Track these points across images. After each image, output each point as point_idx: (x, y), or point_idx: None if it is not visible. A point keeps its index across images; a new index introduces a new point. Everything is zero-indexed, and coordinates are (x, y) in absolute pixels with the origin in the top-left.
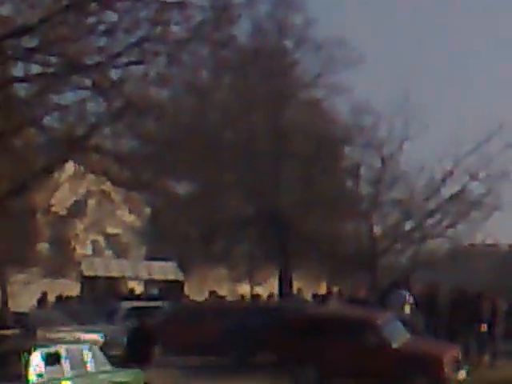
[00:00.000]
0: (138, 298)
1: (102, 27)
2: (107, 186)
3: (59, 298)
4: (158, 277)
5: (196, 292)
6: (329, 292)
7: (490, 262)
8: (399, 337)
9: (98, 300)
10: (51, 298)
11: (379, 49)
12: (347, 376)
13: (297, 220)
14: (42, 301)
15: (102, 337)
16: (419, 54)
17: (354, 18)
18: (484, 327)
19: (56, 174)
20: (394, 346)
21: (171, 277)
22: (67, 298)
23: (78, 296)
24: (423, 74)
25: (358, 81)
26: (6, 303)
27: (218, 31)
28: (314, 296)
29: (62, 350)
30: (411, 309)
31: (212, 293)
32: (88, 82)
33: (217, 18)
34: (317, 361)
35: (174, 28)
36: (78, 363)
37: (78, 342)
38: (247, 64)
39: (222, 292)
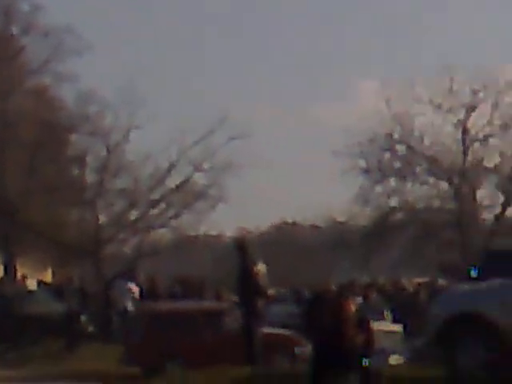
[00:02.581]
0: None
1: None
2: None
3: None
4: None
5: None
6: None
7: (213, 253)
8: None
9: None
10: None
11: (107, 38)
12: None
13: (21, 207)
14: None
15: None
16: (146, 45)
17: (82, 5)
18: None
19: None
20: None
21: None
22: None
23: None
24: (151, 63)
25: (86, 69)
26: None
27: None
28: (40, 283)
29: None
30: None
31: None
32: None
33: None
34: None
35: None
36: None
37: None
38: None
39: None
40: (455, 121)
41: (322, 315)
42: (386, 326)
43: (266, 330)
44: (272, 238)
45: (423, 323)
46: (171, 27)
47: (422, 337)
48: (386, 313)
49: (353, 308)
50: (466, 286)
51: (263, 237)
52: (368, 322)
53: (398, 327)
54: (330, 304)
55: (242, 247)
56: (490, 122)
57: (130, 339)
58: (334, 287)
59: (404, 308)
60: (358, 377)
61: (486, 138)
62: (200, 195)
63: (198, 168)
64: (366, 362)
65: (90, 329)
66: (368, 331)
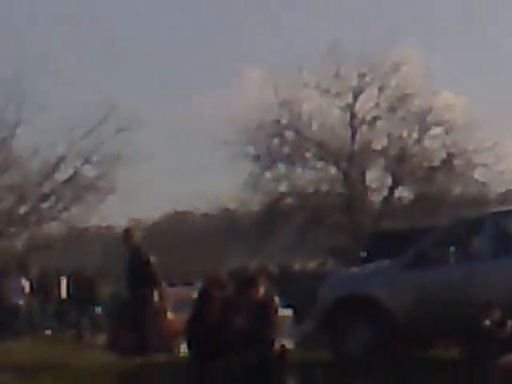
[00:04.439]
0: None
1: None
2: None
3: None
4: None
5: None
6: None
7: (104, 245)
8: None
9: None
10: None
11: None
12: None
13: None
14: None
15: None
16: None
17: None
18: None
19: None
20: None
21: None
22: None
23: None
24: (38, 51)
25: None
26: None
27: None
28: None
29: None
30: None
31: None
32: None
33: None
34: None
35: None
36: None
37: None
38: None
39: None
40: (343, 105)
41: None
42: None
43: None
44: (164, 228)
45: (312, 307)
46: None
47: (311, 321)
48: (275, 298)
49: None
50: (354, 269)
51: (155, 227)
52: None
53: (287, 312)
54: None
55: (130, 237)
56: (377, 105)
57: None
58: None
59: (293, 292)
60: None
61: (373, 120)
62: (90, 187)
63: (86, 160)
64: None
65: None
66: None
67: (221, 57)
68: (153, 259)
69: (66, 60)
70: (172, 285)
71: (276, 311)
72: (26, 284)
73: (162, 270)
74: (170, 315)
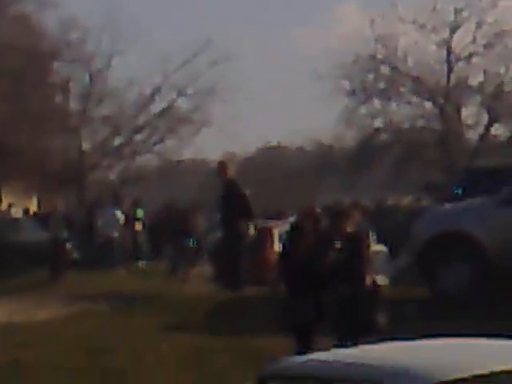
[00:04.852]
0: None
1: None
2: None
3: None
4: None
5: None
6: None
7: (198, 178)
8: None
9: None
10: None
11: None
12: None
13: (4, 135)
14: None
15: None
16: None
17: None
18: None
19: None
20: None
21: None
22: None
23: None
24: None
25: None
26: None
27: None
28: (25, 212)
29: None
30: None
31: None
32: None
33: None
34: None
35: None
36: None
37: None
38: None
39: None
40: (439, 40)
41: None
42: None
43: None
44: (258, 161)
45: (406, 243)
46: None
47: (405, 256)
48: (370, 233)
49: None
50: (448, 205)
51: (249, 161)
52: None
53: (382, 247)
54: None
55: (224, 170)
56: (473, 41)
57: None
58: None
59: (387, 228)
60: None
61: (469, 56)
62: (184, 120)
63: (181, 93)
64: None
65: (75, 256)
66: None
67: None
68: (247, 193)
69: None
70: (267, 218)
71: (368, 246)
72: (120, 216)
73: (256, 203)
74: (276, 247)
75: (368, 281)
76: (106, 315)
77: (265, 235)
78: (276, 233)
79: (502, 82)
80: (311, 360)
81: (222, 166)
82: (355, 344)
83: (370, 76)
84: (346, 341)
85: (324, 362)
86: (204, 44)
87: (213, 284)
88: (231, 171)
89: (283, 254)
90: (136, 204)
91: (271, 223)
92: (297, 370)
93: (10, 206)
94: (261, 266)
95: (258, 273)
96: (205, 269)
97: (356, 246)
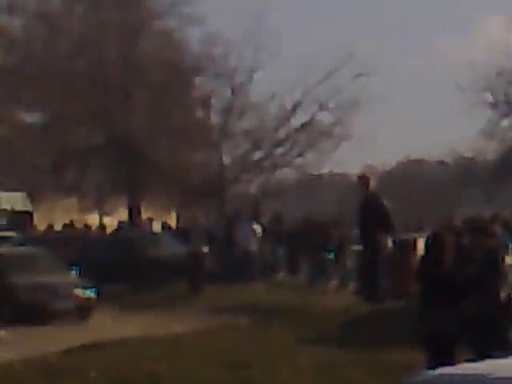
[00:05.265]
0: None
1: None
2: None
3: None
4: (5, 207)
5: (45, 222)
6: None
7: (338, 192)
8: None
9: None
10: None
11: None
12: None
13: (146, 149)
14: None
15: None
16: None
17: None
18: (330, 255)
19: None
20: None
21: (19, 207)
22: None
23: None
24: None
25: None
26: None
27: None
28: (164, 226)
29: None
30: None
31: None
32: None
33: None
34: None
35: None
36: None
37: None
38: None
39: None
40: None
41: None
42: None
43: None
44: (398, 175)
45: None
46: None
47: None
48: (510, 246)
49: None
50: None
51: (389, 174)
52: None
53: None
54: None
55: (366, 184)
56: None
57: None
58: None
59: None
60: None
61: None
62: (325, 134)
63: (322, 106)
64: None
65: (215, 270)
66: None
67: (463, 4)
68: (388, 206)
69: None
70: (407, 231)
71: (503, 259)
72: (258, 228)
73: (397, 217)
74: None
75: (503, 295)
76: (244, 328)
77: (406, 248)
78: (419, 245)
79: None
80: (452, 374)
81: (363, 179)
82: (488, 358)
83: None
84: (481, 355)
85: (466, 375)
86: (346, 57)
87: (354, 297)
88: (372, 184)
89: (422, 266)
90: (278, 218)
91: (412, 235)
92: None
93: (149, 220)
94: (402, 278)
95: (399, 286)
96: (343, 282)
97: (491, 260)
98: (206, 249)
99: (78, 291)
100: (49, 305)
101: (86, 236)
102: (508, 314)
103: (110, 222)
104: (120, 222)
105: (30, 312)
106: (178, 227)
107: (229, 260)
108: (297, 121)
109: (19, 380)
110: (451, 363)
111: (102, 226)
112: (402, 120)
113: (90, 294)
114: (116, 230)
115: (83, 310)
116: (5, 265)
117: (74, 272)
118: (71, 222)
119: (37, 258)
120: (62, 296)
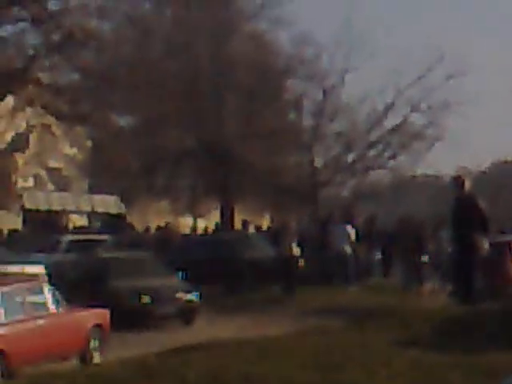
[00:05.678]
0: (80, 231)
1: None
2: (48, 120)
3: None
4: (100, 210)
5: (138, 225)
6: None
7: (431, 193)
8: None
9: (40, 233)
10: None
11: None
12: None
13: (238, 152)
14: None
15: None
16: None
17: None
18: (425, 257)
19: None
20: None
21: (113, 210)
22: (11, 231)
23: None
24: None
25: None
26: None
27: None
28: (257, 228)
29: None
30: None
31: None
32: (26, 14)
33: None
34: None
35: None
36: None
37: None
38: None
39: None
40: None
41: None
42: None
43: None
44: (492, 176)
45: None
46: None
47: None
48: None
49: None
50: None
51: (483, 176)
52: None
53: None
54: None
55: (460, 184)
56: None
57: None
58: None
59: None
60: None
61: None
62: (417, 135)
63: (415, 108)
64: None
65: (308, 272)
66: None
67: None
68: (484, 207)
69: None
70: (502, 233)
71: None
72: (351, 231)
73: (491, 218)
74: None
75: None
76: (338, 331)
77: (503, 249)
78: None
79: None
80: None
81: (458, 180)
82: None
83: None
84: None
85: None
86: (438, 58)
87: (449, 299)
88: (468, 185)
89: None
90: (372, 220)
91: (508, 237)
92: None
93: (245, 222)
94: (499, 280)
95: (495, 287)
96: (438, 284)
97: None
98: (297, 251)
99: (182, 295)
100: (152, 309)
101: (182, 238)
102: None
103: (203, 225)
104: (217, 224)
105: (134, 316)
106: (269, 229)
107: (322, 262)
108: (389, 122)
109: (115, 380)
110: None
111: (194, 229)
112: (495, 120)
113: (194, 297)
114: (213, 231)
115: (187, 314)
116: (108, 269)
117: (177, 276)
118: (166, 224)
119: (140, 261)
120: (165, 300)
